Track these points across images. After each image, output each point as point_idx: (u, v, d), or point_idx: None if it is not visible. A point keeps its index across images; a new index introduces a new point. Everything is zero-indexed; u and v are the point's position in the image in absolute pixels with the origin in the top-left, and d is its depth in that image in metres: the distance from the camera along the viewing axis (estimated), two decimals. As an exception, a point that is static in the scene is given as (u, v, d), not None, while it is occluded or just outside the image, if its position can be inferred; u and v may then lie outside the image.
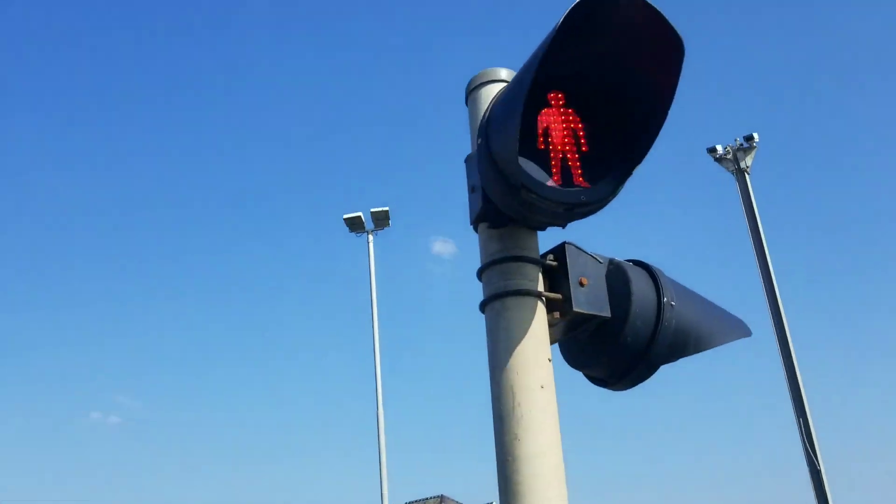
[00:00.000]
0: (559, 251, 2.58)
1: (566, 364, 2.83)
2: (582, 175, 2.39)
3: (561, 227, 2.61)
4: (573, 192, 2.32)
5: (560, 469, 2.33)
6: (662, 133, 2.28)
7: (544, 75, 2.29)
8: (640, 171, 2.34)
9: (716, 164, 17.17)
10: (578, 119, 2.43)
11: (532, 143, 2.37)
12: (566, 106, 2.43)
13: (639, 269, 2.72)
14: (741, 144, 16.80)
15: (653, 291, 2.64)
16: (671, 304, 2.63)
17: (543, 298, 2.51)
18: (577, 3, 2.03)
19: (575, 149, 2.42)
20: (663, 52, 2.22)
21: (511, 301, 2.46)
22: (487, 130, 2.36)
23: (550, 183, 2.35)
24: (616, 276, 2.66)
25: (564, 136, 2.40)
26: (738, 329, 2.83)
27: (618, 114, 2.43)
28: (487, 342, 2.49)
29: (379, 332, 19.49)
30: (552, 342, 2.70)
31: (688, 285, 2.78)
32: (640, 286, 2.62)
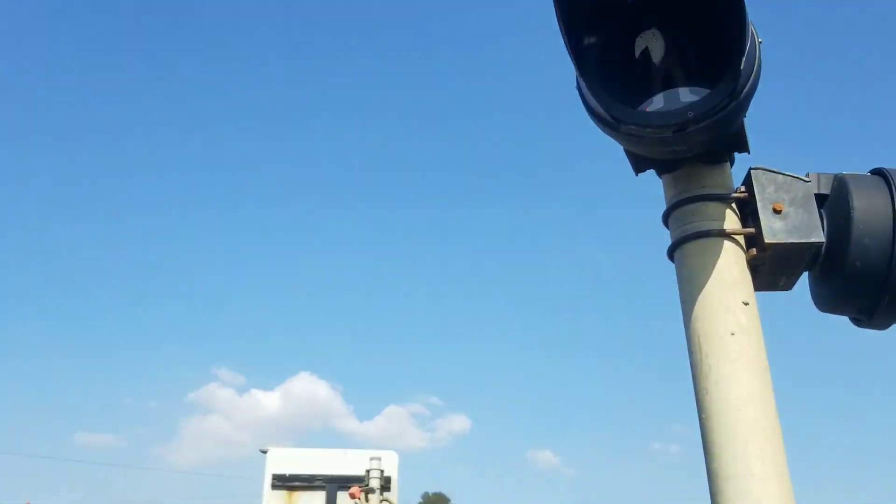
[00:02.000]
0: (747, 179, 2.25)
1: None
2: (690, 90, 2.09)
3: (746, 153, 2.28)
4: (676, 111, 2.01)
5: (761, 422, 1.98)
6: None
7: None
8: None
9: None
10: (675, 31, 2.14)
11: (632, 71, 2.17)
12: (659, 21, 2.17)
13: (872, 178, 2.18)
14: None
15: (886, 200, 2.09)
16: None
17: (734, 237, 2.21)
18: None
19: (677, 64, 2.13)
20: None
21: (690, 247, 2.22)
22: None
23: (653, 108, 2.11)
24: (837, 192, 2.18)
25: (664, 54, 2.14)
26: None
27: (704, 12, 2.10)
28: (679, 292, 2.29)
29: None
30: (770, 286, 2.34)
31: None
32: (864, 197, 2.10)
